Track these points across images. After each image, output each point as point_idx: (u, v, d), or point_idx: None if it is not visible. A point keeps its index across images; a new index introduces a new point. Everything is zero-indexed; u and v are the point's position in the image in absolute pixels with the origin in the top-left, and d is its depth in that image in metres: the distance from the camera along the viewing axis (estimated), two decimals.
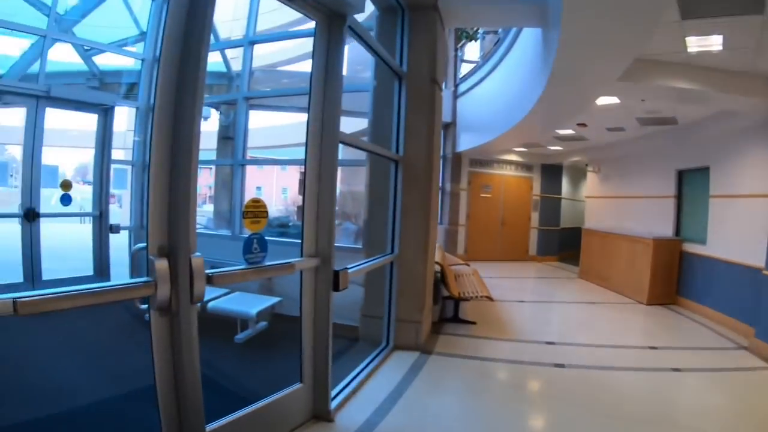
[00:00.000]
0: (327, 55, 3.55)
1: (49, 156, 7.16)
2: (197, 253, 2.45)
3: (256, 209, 3.08)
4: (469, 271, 8.59)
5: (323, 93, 3.54)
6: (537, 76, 6.19)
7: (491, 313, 7.60)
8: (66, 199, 6.98)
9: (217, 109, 11.70)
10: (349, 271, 3.73)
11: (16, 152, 6.80)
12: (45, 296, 2.01)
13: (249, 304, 5.69)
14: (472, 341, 6.08)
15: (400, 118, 5.35)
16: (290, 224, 10.62)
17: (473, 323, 6.79)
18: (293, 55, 19.35)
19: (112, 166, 7.32)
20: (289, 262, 3.28)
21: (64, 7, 8.49)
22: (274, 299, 5.91)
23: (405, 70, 5.34)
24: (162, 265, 2.36)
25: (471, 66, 12.53)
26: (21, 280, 6.69)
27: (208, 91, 11.34)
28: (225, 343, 5.55)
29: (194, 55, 2.39)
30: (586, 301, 9.19)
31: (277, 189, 28.39)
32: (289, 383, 3.56)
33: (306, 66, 18.19)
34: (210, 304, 5.57)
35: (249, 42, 7.44)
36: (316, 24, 3.54)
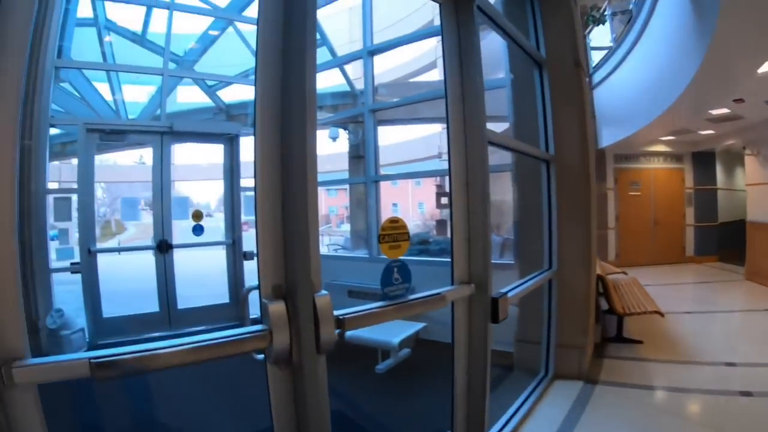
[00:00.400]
0: (459, 42, 2.93)
1: (184, 189, 7.19)
2: (322, 292, 1.94)
3: (396, 231, 2.45)
4: (627, 280, 7.56)
5: (460, 86, 2.92)
6: (688, 48, 5.32)
7: (655, 328, 6.52)
8: (198, 230, 6.96)
9: (345, 128, 11.59)
10: (509, 295, 3.07)
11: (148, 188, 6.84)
12: (124, 356, 1.57)
13: (390, 331, 5.17)
14: (641, 365, 5.16)
15: (546, 111, 4.61)
16: (431, 240, 10.11)
17: (639, 342, 5.82)
18: (418, 67, 19.15)
19: (243, 193, 7.19)
20: (438, 294, 2.67)
21: (183, 49, 8.69)
22: (419, 325, 5.38)
23: (544, 56, 4.62)
24: (278, 308, 1.87)
25: (602, 53, 11.40)
26: (157, 309, 6.71)
27: (332, 110, 11.34)
28: (364, 374, 5.11)
29: (297, 62, 1.88)
30: (762, 308, 7.76)
31: (413, 205, 27.86)
32: (437, 424, 3.10)
33: (432, 75, 17.95)
34: (347, 334, 5.12)
35: (368, 52, 7.04)
36: (441, 8, 2.96)
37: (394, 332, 5.14)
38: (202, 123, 7.45)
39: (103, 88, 8.75)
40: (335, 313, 2.00)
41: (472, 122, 2.90)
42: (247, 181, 7.14)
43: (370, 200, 6.57)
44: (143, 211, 7.57)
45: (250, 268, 7.24)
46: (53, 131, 8.56)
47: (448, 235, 2.99)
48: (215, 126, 7.44)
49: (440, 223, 15.58)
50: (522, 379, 4.58)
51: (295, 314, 1.89)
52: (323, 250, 15.60)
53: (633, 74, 8.71)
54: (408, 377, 5.14)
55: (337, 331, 1.98)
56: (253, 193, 1.93)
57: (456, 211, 2.90)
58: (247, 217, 7.45)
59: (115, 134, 6.58)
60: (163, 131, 6.74)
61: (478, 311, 2.91)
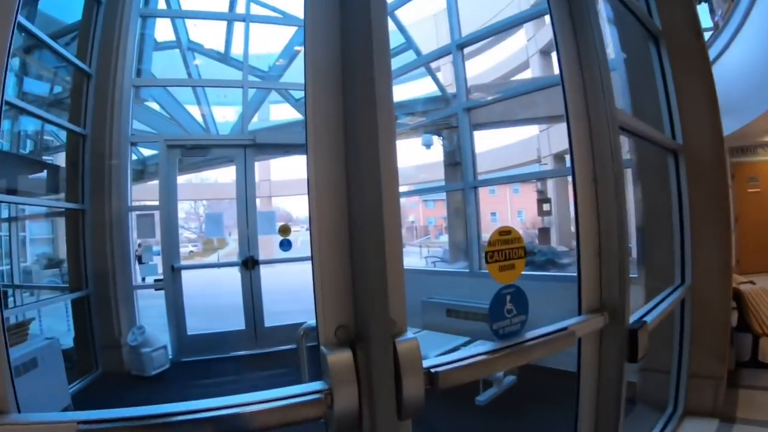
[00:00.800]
0: (570, 10, 2.29)
1: (283, 204, 6.97)
2: (407, 335, 1.34)
3: (508, 246, 1.73)
4: (757, 291, 6.38)
5: (578, 62, 2.26)
6: None
7: None
8: (285, 245, 6.65)
9: (438, 135, 11.09)
10: (648, 321, 2.33)
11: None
12: (113, 421, 1.13)
13: None
14: None
15: (669, 92, 3.81)
16: (535, 250, 9.35)
17: None
18: (510, 68, 18.34)
19: None
20: (564, 329, 1.96)
21: (268, 65, 8.59)
22: None
23: (659, 27, 3.84)
24: (342, 359, 1.28)
25: (706, 35, 10.10)
26: (243, 326, 6.47)
27: (423, 115, 10.89)
28: (463, 406, 4.45)
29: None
30: None
31: (512, 214, 26.56)
32: None
33: (526, 74, 17.15)
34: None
35: (457, 46, 6.46)
36: None
37: None
38: (285, 134, 7.20)
39: (195, 111, 8.78)
40: (425, 363, 1.40)
41: (597, 103, 2.21)
42: None
43: (468, 208, 5.97)
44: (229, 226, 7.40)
45: None
46: (148, 152, 8.78)
47: (552, 244, 2.36)
48: (299, 136, 7.15)
49: (542, 232, 14.67)
50: (646, 415, 3.80)
51: (366, 366, 1.30)
52: (420, 263, 15.13)
53: (744, 56, 7.57)
54: (515, 410, 4.46)
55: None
56: None
57: (582, 217, 2.22)
58: None
59: (198, 149, 6.44)
60: (246, 144, 6.53)
61: (610, 347, 2.21)
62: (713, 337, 3.83)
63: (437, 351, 4.86)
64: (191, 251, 27.21)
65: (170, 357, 6.05)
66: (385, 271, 1.28)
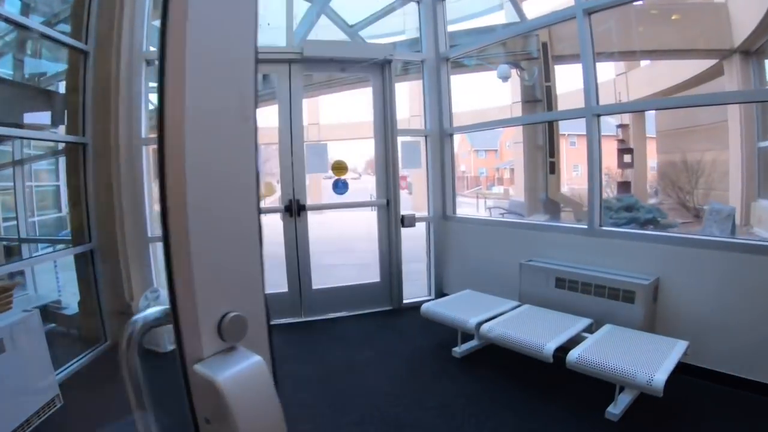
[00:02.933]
0: None
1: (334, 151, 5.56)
2: None
3: None
4: None
5: None
6: None
7: None
8: (340, 186, 5.27)
9: (517, 67, 9.47)
10: None
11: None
12: None
13: (636, 354, 3.09)
14: None
15: None
16: (638, 206, 7.79)
17: None
18: None
19: (400, 139, 5.41)
20: None
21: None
22: (679, 344, 3.22)
23: None
24: None
25: None
26: (285, 289, 5.20)
27: (502, 47, 9.24)
28: (590, 420, 3.05)
29: None
30: None
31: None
32: None
33: None
34: (575, 356, 3.13)
35: None
36: None
37: (647, 356, 3.06)
38: (342, 46, 5.68)
39: None
40: None
41: None
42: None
43: (592, 147, 4.27)
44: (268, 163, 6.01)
45: (410, 237, 5.56)
46: None
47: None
48: (358, 48, 5.61)
49: (623, 186, 13.19)
50: None
51: None
52: (482, 215, 13.55)
53: None
54: (662, 428, 2.99)
55: None
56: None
57: None
58: (407, 169, 5.66)
59: None
60: (292, 59, 5.09)
61: None
62: None
63: (549, 336, 3.45)
64: None
65: None
66: None
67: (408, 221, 5.34)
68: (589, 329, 3.68)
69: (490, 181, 24.52)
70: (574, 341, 3.40)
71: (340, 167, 5.34)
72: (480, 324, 3.78)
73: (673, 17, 9.06)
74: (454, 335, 4.14)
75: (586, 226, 4.17)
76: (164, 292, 4.59)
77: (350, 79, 9.43)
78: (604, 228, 4.08)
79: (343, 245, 9.69)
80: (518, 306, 4.17)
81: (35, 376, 3.29)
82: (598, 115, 4.14)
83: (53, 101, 5.09)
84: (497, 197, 18.85)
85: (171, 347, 4.45)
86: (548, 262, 4.30)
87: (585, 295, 3.91)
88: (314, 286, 5.25)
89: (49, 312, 5.18)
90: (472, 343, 4.19)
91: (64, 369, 4.06)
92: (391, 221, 5.35)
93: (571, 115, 4.62)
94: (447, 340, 4.25)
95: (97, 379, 3.97)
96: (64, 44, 4.49)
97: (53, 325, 5.11)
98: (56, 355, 3.84)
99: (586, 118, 4.13)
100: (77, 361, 4.25)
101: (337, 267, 7.67)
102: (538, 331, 3.54)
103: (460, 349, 4.10)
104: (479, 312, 4.01)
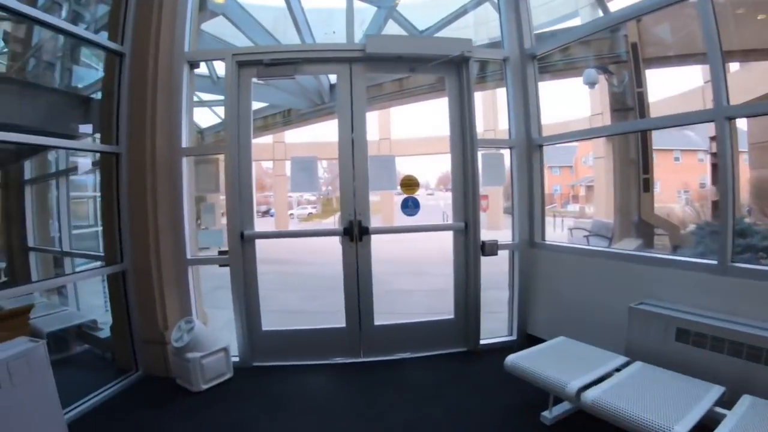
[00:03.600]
0: None
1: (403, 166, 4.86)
2: None
3: None
4: None
5: None
6: None
7: None
8: (410, 206, 4.58)
9: (605, 71, 8.54)
10: None
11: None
12: None
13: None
14: None
15: None
16: (755, 229, 6.65)
17: None
18: None
19: (480, 151, 4.56)
20: None
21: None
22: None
23: None
24: None
25: None
26: (342, 324, 4.55)
27: (588, 49, 8.30)
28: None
29: None
30: None
31: (674, 186, 22.32)
32: None
33: None
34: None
35: None
36: None
37: None
38: (410, 41, 4.94)
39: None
40: None
41: None
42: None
43: (724, 162, 3.30)
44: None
45: (492, 264, 4.71)
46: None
47: None
48: (430, 43, 4.80)
49: (716, 206, 11.83)
50: None
51: None
52: (560, 236, 12.37)
53: None
54: None
55: None
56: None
57: None
58: (487, 187, 4.72)
59: (281, 66, 4.39)
60: (353, 57, 4.40)
61: None
62: None
63: (674, 411, 2.62)
64: (310, 213, 26.02)
65: (235, 361, 4.26)
66: None
67: (489, 249, 4.51)
68: (722, 400, 2.74)
69: (565, 199, 23.62)
70: (707, 419, 2.52)
71: (410, 184, 4.59)
72: (582, 390, 2.91)
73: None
74: (543, 393, 3.27)
75: (715, 262, 3.25)
76: (200, 324, 3.98)
77: (421, 85, 8.72)
78: (737, 265, 3.15)
79: (413, 267, 8.91)
80: (627, 363, 3.27)
81: (38, 417, 2.75)
82: (731, 118, 3.23)
83: (88, 108, 4.69)
84: (573, 216, 18.06)
85: (205, 386, 3.85)
86: (666, 307, 3.38)
87: (716, 353, 2.98)
88: (376, 322, 4.50)
89: (83, 332, 4.87)
90: (567, 406, 3.32)
91: (88, 399, 3.63)
92: (470, 248, 4.52)
93: (696, 118, 3.71)
94: (534, 398, 3.38)
95: (116, 418, 3.46)
96: (98, 45, 4.04)
97: (87, 346, 4.80)
98: (85, 381, 3.64)
99: (716, 121, 3.23)
100: (104, 391, 3.79)
101: (405, 294, 6.93)
102: (658, 402, 2.64)
103: (551, 414, 3.24)
104: (578, 370, 3.14)
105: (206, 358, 3.86)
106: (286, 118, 12.15)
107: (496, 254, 4.59)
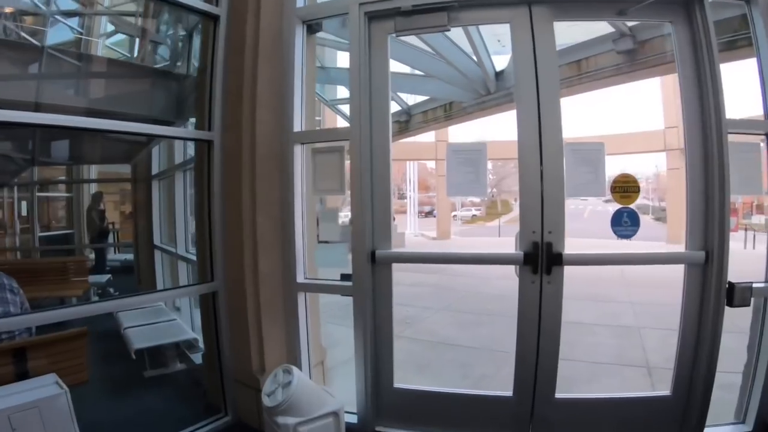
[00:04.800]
0: None
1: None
2: None
3: None
4: None
5: None
6: None
7: None
8: (626, 221, 3.02)
9: None
10: None
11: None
12: None
13: None
14: None
15: None
16: None
17: None
18: None
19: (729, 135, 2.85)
20: None
21: None
22: None
23: None
24: None
25: None
26: (510, 393, 3.11)
27: None
28: None
29: None
30: None
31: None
32: None
33: None
34: None
35: None
36: None
37: None
38: None
39: None
40: None
41: None
42: None
43: None
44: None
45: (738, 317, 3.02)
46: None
47: None
48: None
49: None
50: None
51: None
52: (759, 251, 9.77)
53: None
54: None
55: None
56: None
57: None
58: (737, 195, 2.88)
59: (426, 14, 3.00)
60: None
61: None
62: None
63: None
64: (474, 215, 24.72)
65: (350, 422, 3.11)
66: None
67: (739, 296, 2.82)
68: None
69: (747, 209, 20.09)
70: None
71: (626, 188, 3.00)
72: None
73: None
74: None
75: None
76: (301, 376, 2.80)
77: (604, 67, 7.17)
78: None
79: (588, 288, 6.87)
80: None
81: None
82: None
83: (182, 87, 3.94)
84: (760, 229, 15.73)
85: None
86: None
87: None
88: (558, 394, 3.05)
89: (182, 352, 4.28)
90: None
91: None
92: (709, 292, 2.85)
93: None
94: None
95: None
96: (189, 8, 3.21)
97: (183, 365, 4.27)
98: (168, 412, 3.31)
99: None
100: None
101: (584, 330, 5.51)
102: None
103: None
104: None
105: (305, 426, 2.69)
106: (447, 112, 10.96)
107: (748, 304, 2.91)
